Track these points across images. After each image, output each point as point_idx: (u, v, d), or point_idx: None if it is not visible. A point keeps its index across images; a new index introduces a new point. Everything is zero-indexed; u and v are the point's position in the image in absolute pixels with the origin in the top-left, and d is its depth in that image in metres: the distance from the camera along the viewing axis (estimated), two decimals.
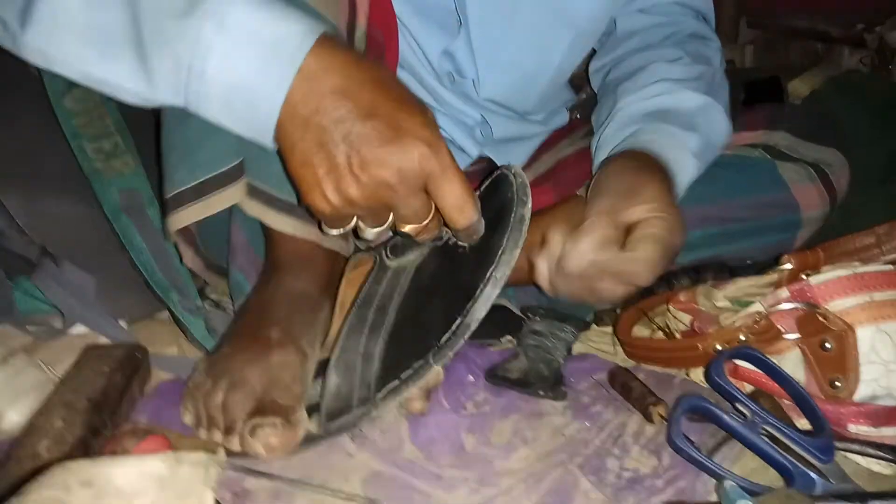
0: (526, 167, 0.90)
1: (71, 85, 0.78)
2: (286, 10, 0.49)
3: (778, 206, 0.82)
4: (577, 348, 0.79)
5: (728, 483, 0.49)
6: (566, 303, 0.86)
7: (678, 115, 0.76)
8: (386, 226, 0.54)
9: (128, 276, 0.77)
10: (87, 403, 0.59)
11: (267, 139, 0.51)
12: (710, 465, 0.56)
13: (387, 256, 0.65)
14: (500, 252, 0.56)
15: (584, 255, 0.61)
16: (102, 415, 0.59)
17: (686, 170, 0.72)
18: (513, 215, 0.57)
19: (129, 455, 0.53)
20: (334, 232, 0.55)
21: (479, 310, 0.56)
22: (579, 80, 0.99)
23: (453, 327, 0.56)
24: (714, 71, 0.84)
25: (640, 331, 0.80)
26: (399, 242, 0.64)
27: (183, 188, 0.63)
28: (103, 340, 0.73)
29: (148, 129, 0.77)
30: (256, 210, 0.64)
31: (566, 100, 0.95)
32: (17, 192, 0.74)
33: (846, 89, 1.08)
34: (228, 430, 0.58)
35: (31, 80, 0.77)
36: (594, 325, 0.85)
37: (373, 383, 0.59)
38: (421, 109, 0.51)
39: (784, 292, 0.64)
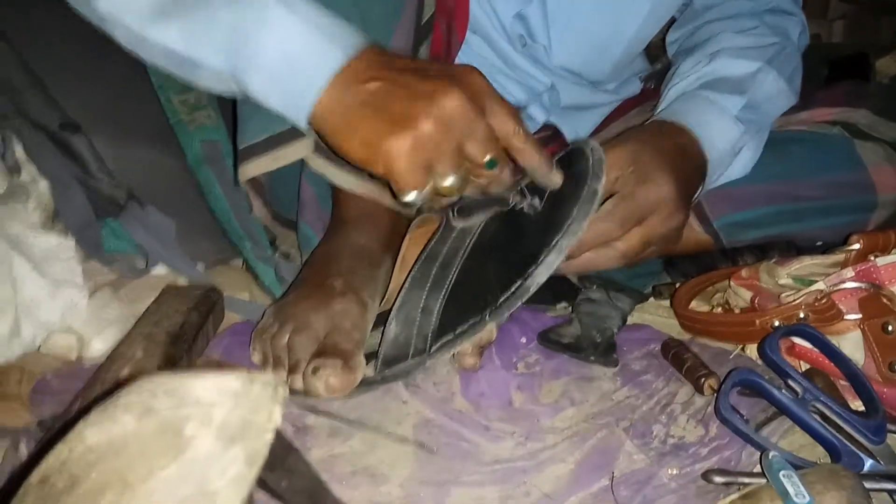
0: (593, 135, 0.90)
1: None
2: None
3: (853, 186, 0.80)
4: (633, 319, 0.80)
5: (772, 454, 0.50)
6: (623, 274, 0.87)
7: (726, 81, 0.75)
8: (461, 173, 0.53)
9: (206, 223, 0.82)
10: (166, 336, 0.64)
11: (302, 113, 0.53)
12: (755, 438, 0.56)
13: (453, 217, 0.67)
14: (568, 222, 0.57)
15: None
16: (179, 348, 0.64)
17: (722, 132, 0.72)
18: (586, 188, 0.58)
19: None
20: (411, 196, 0.52)
21: (541, 274, 0.58)
22: (656, 50, 0.97)
23: (512, 289, 0.58)
24: (788, 44, 0.81)
25: (699, 306, 0.80)
26: (466, 204, 0.66)
27: (255, 141, 0.66)
28: (181, 281, 0.78)
29: None
30: (318, 164, 0.66)
31: (639, 69, 0.94)
32: (108, 139, 0.79)
33: None
34: (292, 370, 0.62)
35: None
36: (652, 298, 0.85)
37: (430, 336, 0.61)
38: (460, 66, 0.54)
39: (848, 272, 0.63)
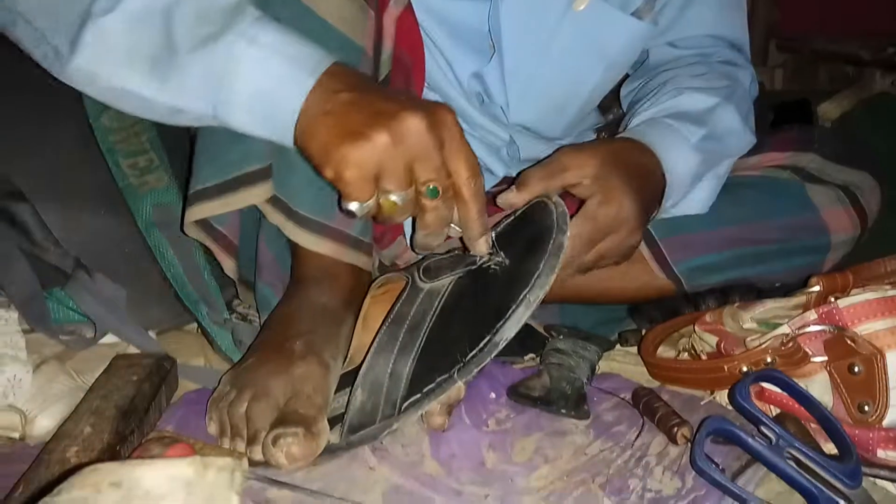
0: None
1: None
2: (308, 40, 0.56)
3: (806, 228, 0.82)
4: (601, 368, 0.79)
5: None
6: (589, 321, 0.87)
7: (687, 114, 0.78)
8: (407, 194, 0.54)
9: (158, 288, 0.79)
10: (116, 411, 0.60)
11: (287, 139, 0.55)
12: (733, 489, 0.55)
13: (420, 278, 0.65)
14: (535, 275, 0.57)
15: None
16: (130, 422, 0.60)
17: (682, 157, 0.74)
18: (552, 242, 0.58)
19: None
20: (354, 206, 0.53)
21: (509, 329, 0.57)
22: (608, 102, 0.99)
23: (480, 344, 0.57)
24: (739, 87, 0.84)
25: (666, 352, 0.79)
26: (432, 264, 0.65)
27: (207, 185, 0.66)
28: (132, 350, 0.74)
29: (182, 146, 0.80)
30: (277, 219, 0.66)
31: (593, 123, 0.95)
32: (54, 206, 0.76)
33: (877, 112, 1.08)
34: (251, 440, 0.59)
35: (71, 99, 0.80)
36: (619, 345, 0.85)
37: (398, 402, 0.59)
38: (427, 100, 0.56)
39: (812, 315, 0.63)
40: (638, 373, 0.79)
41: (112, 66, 0.56)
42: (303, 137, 0.54)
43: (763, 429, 0.57)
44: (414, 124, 0.52)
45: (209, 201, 0.66)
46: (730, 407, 0.68)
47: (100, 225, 0.79)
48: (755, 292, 0.83)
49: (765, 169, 0.84)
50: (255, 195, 0.65)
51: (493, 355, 0.58)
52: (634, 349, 0.83)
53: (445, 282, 0.63)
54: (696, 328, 0.74)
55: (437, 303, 0.62)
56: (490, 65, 0.79)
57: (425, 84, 0.76)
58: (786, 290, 0.78)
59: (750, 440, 0.55)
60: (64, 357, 0.72)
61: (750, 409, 0.58)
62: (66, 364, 0.71)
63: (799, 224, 0.82)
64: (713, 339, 0.72)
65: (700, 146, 0.76)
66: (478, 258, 0.63)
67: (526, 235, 0.63)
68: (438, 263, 0.65)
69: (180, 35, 0.54)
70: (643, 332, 0.83)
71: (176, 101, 0.56)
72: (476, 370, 0.58)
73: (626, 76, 0.92)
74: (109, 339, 0.75)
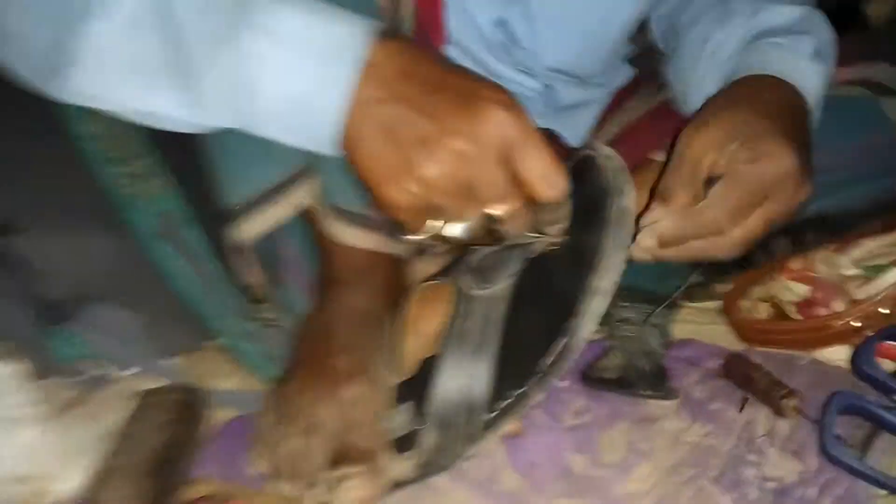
0: (592, 134, 0.81)
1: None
2: (336, 12, 0.45)
3: (884, 148, 0.73)
4: (675, 332, 0.71)
5: None
6: (648, 279, 0.78)
7: (781, 28, 0.65)
8: (472, 221, 0.45)
9: (173, 306, 0.70)
10: (152, 464, 0.53)
11: (328, 147, 0.46)
12: (868, 473, 0.47)
13: (472, 286, 0.55)
14: (598, 256, 0.47)
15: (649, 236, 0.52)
16: (168, 475, 0.53)
17: (807, 76, 0.62)
18: (610, 209, 0.48)
19: None
20: (414, 237, 0.45)
21: (585, 327, 0.49)
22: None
23: (558, 349, 0.49)
24: None
25: (742, 306, 0.71)
26: (483, 267, 0.55)
27: (258, 191, 0.57)
28: (153, 383, 0.67)
29: (181, 144, 0.70)
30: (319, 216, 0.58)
31: (626, 53, 0.85)
32: (42, 232, 0.67)
33: None
34: (309, 483, 0.52)
35: (45, 105, 0.70)
36: (687, 303, 0.76)
37: (476, 431, 0.51)
38: (492, 81, 0.45)
39: None
40: (716, 333, 0.71)
41: (111, 82, 0.46)
42: (346, 145, 0.45)
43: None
44: (471, 135, 0.42)
45: (260, 209, 0.58)
46: (832, 364, 0.60)
47: (98, 246, 0.70)
48: (830, 227, 0.75)
49: (834, 86, 0.74)
50: (304, 194, 0.57)
51: (572, 358, 0.50)
52: (704, 305, 0.75)
53: (502, 285, 0.54)
54: (783, 277, 0.65)
55: (498, 311, 0.53)
56: (513, 7, 0.69)
57: (447, 38, 0.66)
58: (864, 221, 0.70)
59: (889, 416, 0.47)
60: (81, 401, 0.64)
61: (880, 377, 0.50)
62: (83, 408, 0.63)
63: (875, 144, 0.73)
64: (803, 289, 0.64)
65: (815, 55, 0.63)
66: (532, 246, 0.54)
67: (580, 204, 0.53)
68: (488, 264, 0.55)
69: (187, 35, 0.44)
70: (713, 286, 0.74)
71: (195, 117, 0.46)
72: (556, 378, 0.50)
73: None
74: (127, 373, 0.67)
